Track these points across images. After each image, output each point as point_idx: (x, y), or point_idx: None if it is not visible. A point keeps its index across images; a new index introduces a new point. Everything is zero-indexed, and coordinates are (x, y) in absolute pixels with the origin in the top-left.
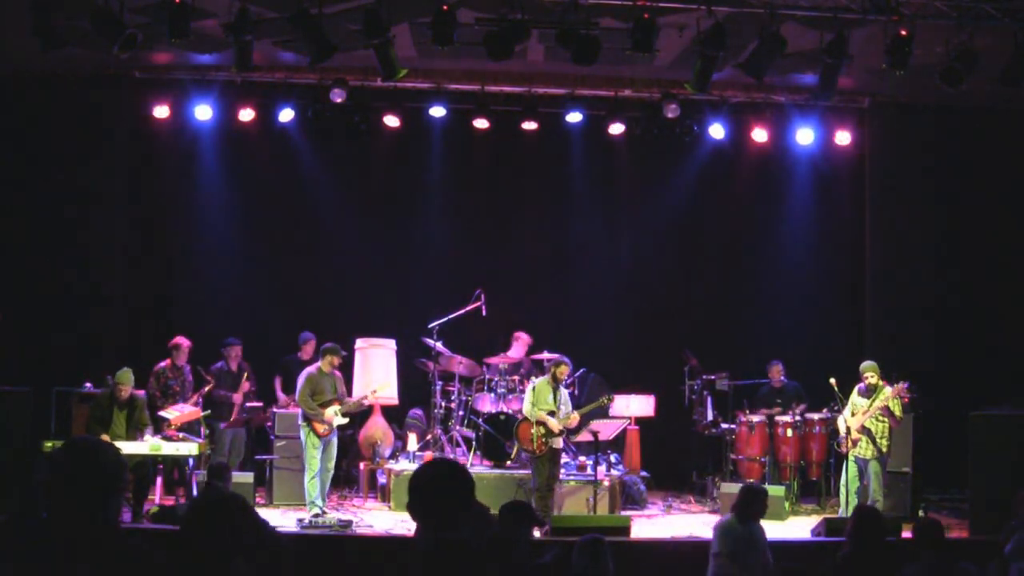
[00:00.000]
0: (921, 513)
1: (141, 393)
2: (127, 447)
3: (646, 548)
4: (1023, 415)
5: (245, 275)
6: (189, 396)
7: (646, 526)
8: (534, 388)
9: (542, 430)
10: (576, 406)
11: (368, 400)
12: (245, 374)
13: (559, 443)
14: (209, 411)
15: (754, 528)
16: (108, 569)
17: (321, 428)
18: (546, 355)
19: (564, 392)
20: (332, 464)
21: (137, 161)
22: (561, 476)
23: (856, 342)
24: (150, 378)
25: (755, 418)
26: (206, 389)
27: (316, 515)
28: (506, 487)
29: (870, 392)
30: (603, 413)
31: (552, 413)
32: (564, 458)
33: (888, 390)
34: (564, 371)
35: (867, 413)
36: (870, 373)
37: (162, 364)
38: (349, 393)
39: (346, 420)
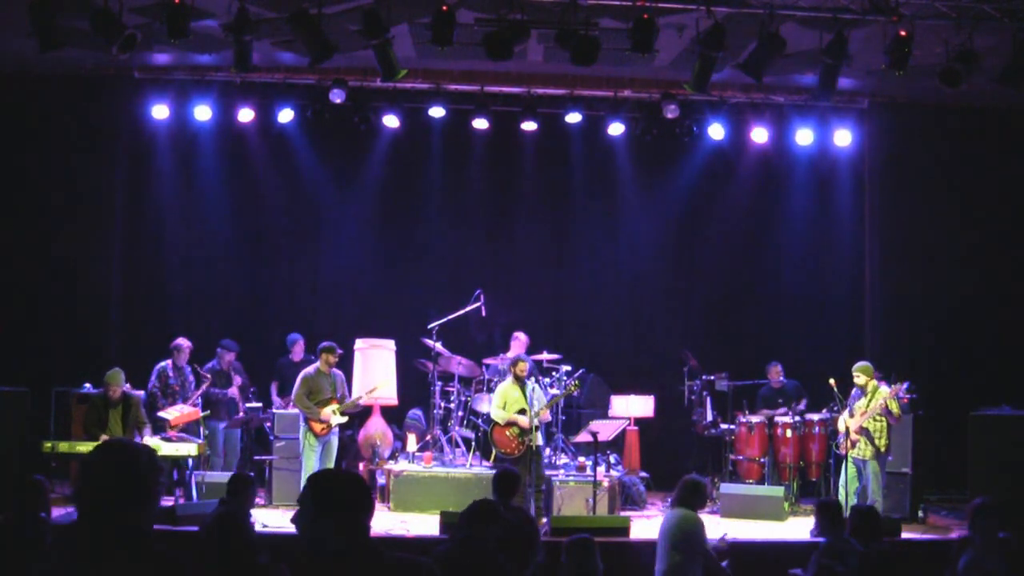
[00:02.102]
0: (920, 514)
1: (140, 393)
2: (104, 440)
3: (645, 549)
4: (1023, 415)
5: (244, 275)
6: (190, 395)
7: (645, 527)
8: (501, 391)
9: (516, 430)
10: (577, 406)
11: (364, 400)
12: (233, 373)
13: (538, 440)
14: (208, 411)
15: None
16: None
17: (319, 427)
18: (545, 355)
19: (535, 388)
20: (332, 464)
21: (136, 161)
22: (561, 476)
23: (856, 342)
24: (151, 377)
25: (755, 419)
26: (204, 387)
27: None
28: None
29: (863, 392)
30: (604, 413)
31: (524, 411)
32: (564, 458)
33: (885, 390)
34: (523, 367)
35: (865, 414)
36: (858, 373)
37: (163, 364)
38: (351, 393)
39: (344, 419)
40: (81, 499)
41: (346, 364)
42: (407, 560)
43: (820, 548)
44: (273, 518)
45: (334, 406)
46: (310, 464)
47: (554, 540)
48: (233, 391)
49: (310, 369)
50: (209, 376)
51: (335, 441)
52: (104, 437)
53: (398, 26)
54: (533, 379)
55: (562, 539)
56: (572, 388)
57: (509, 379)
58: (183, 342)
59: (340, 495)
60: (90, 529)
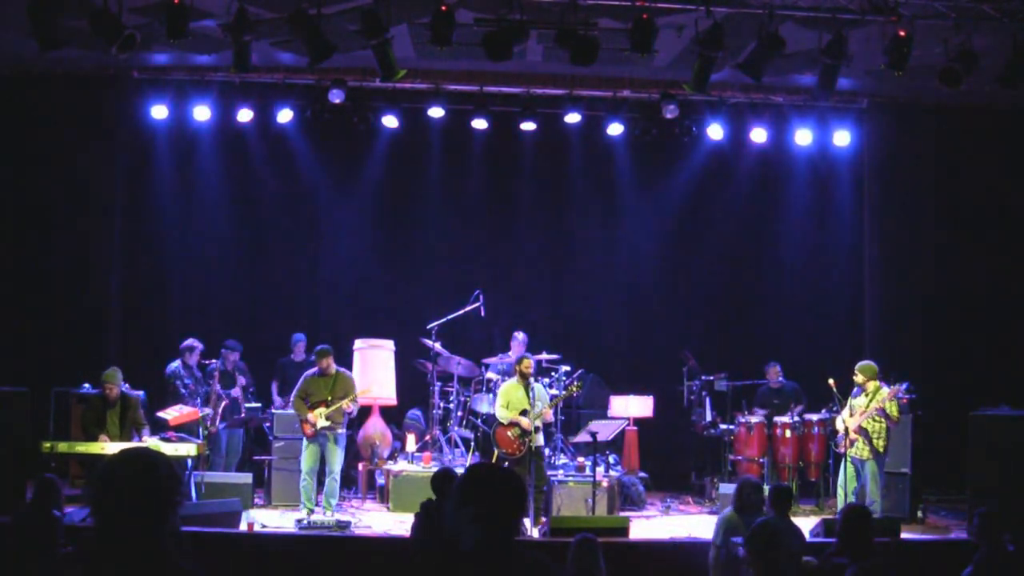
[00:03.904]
0: (920, 514)
1: (139, 393)
2: (123, 448)
3: (644, 549)
4: (1022, 415)
5: (244, 276)
6: (208, 392)
7: (644, 527)
8: (504, 390)
9: (517, 431)
10: (576, 407)
11: (347, 406)
12: (237, 374)
13: (539, 440)
14: (209, 411)
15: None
16: None
17: (306, 429)
18: (545, 355)
19: (539, 388)
20: (336, 468)
21: (136, 161)
22: (560, 476)
23: (856, 342)
24: (168, 378)
25: (754, 419)
26: (216, 378)
27: (304, 517)
28: None
29: (862, 390)
30: (603, 413)
31: (526, 411)
32: (563, 459)
33: (885, 391)
34: (528, 365)
35: (864, 414)
36: (857, 371)
37: (175, 365)
38: None
39: (327, 423)
40: (99, 508)
41: (345, 364)
42: (543, 562)
43: (759, 521)
44: (272, 518)
45: (321, 409)
46: (304, 463)
47: (553, 540)
48: (236, 391)
49: (311, 371)
50: (215, 362)
51: (331, 445)
52: (103, 437)
53: (397, 26)
54: (534, 379)
55: (561, 539)
56: (573, 389)
57: (513, 379)
58: (196, 344)
59: (486, 486)
60: (108, 539)
